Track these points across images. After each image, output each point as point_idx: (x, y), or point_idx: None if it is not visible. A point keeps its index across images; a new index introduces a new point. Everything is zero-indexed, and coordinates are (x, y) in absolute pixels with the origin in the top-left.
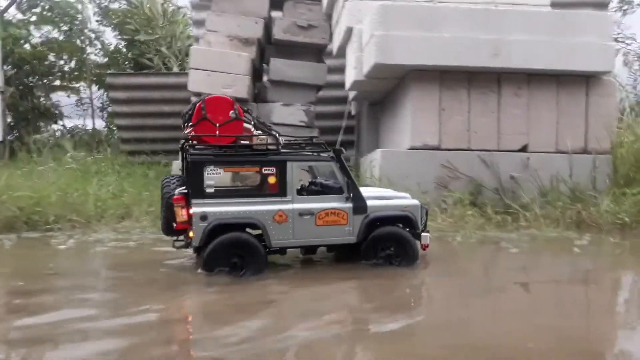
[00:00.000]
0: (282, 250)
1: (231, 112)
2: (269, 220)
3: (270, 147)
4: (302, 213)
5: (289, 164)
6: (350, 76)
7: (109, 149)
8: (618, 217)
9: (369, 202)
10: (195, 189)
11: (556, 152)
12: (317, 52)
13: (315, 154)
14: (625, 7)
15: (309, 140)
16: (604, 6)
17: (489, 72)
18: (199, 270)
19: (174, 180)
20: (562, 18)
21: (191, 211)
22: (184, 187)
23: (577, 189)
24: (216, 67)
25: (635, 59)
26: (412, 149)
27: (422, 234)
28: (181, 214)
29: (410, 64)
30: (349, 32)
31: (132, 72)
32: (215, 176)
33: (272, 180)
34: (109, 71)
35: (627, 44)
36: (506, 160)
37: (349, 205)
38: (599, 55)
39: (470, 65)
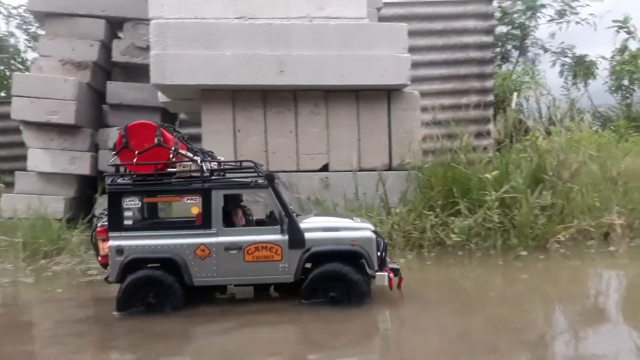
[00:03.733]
0: (219, 288)
1: (155, 138)
2: (190, 255)
3: (194, 174)
4: (227, 247)
5: (213, 192)
6: (161, 97)
7: None
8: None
9: (309, 235)
10: (113, 220)
11: (359, 170)
12: None
13: (244, 180)
14: (561, 19)
15: (237, 165)
16: (488, 17)
17: (283, 90)
18: (114, 313)
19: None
20: (353, 31)
21: (107, 244)
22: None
23: (372, 206)
24: (40, 94)
25: (569, 70)
26: None
27: (378, 273)
28: (102, 248)
29: (189, 84)
30: None
31: None
32: (134, 207)
33: (195, 210)
34: None
35: (564, 56)
36: (306, 181)
37: (284, 238)
38: (393, 69)
39: (255, 83)
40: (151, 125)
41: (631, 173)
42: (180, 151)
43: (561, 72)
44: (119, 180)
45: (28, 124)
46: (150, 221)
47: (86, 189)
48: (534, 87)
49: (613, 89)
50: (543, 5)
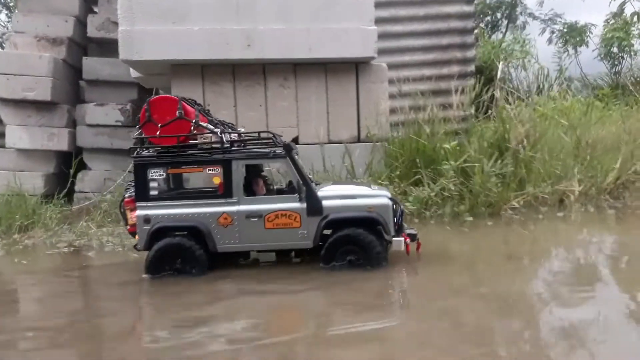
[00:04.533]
0: (242, 254)
1: (177, 111)
2: (213, 223)
3: (215, 145)
4: (249, 215)
5: (234, 163)
6: (133, 73)
7: None
8: None
9: (326, 202)
10: (139, 191)
11: (328, 142)
12: None
13: (263, 150)
14: None
15: (256, 136)
16: None
17: (252, 64)
18: (143, 275)
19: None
20: (320, 4)
21: (135, 214)
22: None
23: (340, 178)
24: (16, 70)
25: (559, 38)
26: None
27: (394, 238)
28: (130, 217)
29: (158, 59)
30: None
31: None
32: (159, 178)
33: (216, 180)
34: None
35: (553, 23)
36: None
37: (302, 206)
38: (360, 41)
39: (223, 58)
40: (173, 99)
41: (603, 141)
42: (201, 123)
43: (549, 40)
44: (144, 153)
45: (5, 101)
46: (175, 191)
47: (65, 165)
48: (522, 56)
49: (602, 56)
50: None
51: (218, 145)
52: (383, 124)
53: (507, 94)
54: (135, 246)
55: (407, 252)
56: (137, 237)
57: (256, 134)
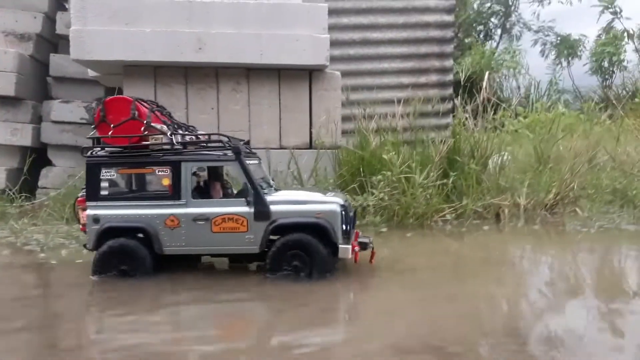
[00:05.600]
0: (190, 258)
1: (131, 112)
2: (160, 225)
3: (165, 147)
4: (196, 218)
5: (183, 165)
6: (90, 72)
7: None
8: None
9: (274, 207)
10: (90, 191)
11: (279, 147)
12: None
13: (214, 153)
14: None
15: (207, 138)
16: None
17: (204, 67)
18: (91, 276)
19: None
20: (273, 10)
21: (85, 213)
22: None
23: (286, 184)
24: None
25: (551, 49)
26: None
27: (341, 246)
28: (82, 216)
29: (109, 60)
30: None
31: None
32: (109, 178)
33: (165, 182)
34: None
35: (545, 35)
36: None
37: (250, 210)
38: (311, 49)
39: (174, 60)
40: (127, 100)
41: (570, 155)
42: (153, 125)
43: (542, 52)
44: (98, 153)
45: None
46: (125, 192)
47: (35, 161)
48: (512, 66)
49: (593, 70)
50: None
51: (169, 147)
52: (334, 132)
53: (492, 104)
54: (85, 245)
55: (356, 260)
56: (86, 237)
57: (207, 137)
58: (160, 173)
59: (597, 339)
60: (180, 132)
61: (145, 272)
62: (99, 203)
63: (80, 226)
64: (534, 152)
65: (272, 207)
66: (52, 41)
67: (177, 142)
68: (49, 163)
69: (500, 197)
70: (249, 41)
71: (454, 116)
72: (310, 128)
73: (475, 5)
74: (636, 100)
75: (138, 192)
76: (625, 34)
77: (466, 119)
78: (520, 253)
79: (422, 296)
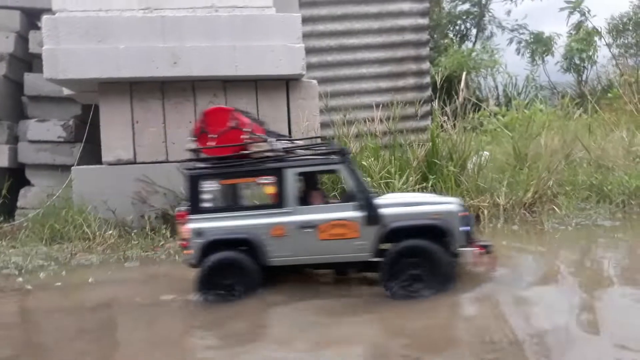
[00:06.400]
0: (295, 269)
1: (230, 121)
2: (266, 235)
3: (267, 154)
4: (302, 226)
5: (286, 171)
6: (65, 90)
7: None
8: None
9: (386, 210)
10: (192, 204)
11: None
12: None
13: (318, 157)
14: None
15: (310, 143)
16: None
17: (180, 81)
18: (193, 295)
19: None
20: (246, 22)
21: (187, 227)
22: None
23: None
24: None
25: (526, 47)
26: (107, 164)
27: (462, 249)
28: (182, 231)
29: (83, 78)
30: None
31: None
32: (211, 190)
33: (269, 190)
34: None
35: (520, 34)
36: None
37: (359, 214)
38: (287, 59)
39: (149, 75)
40: (226, 109)
41: (547, 152)
42: (254, 133)
43: (518, 50)
44: (197, 165)
45: None
46: (227, 203)
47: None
48: (491, 65)
49: (565, 67)
50: None
51: (271, 155)
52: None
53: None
54: (187, 261)
55: (479, 265)
56: (188, 251)
57: (310, 142)
58: (263, 181)
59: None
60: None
61: (254, 286)
62: (201, 216)
63: (180, 242)
64: (512, 151)
65: (384, 210)
66: (26, 60)
67: (280, 149)
68: (27, 183)
69: (479, 197)
70: (224, 54)
71: (432, 118)
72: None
73: (447, 7)
74: (609, 95)
75: (241, 202)
76: (595, 31)
77: (444, 121)
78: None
79: None
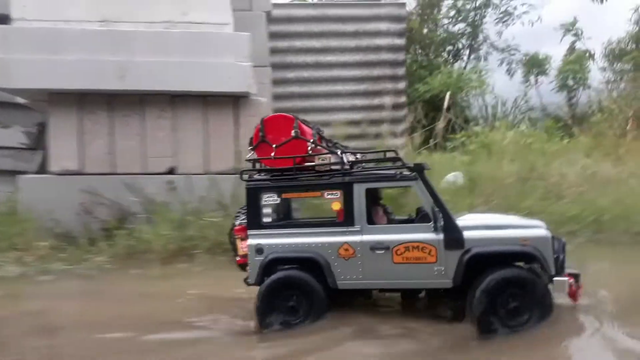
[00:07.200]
0: (363, 292)
1: (292, 131)
2: (333, 254)
3: (334, 167)
4: (373, 247)
5: (356, 187)
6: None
7: None
8: None
9: (468, 233)
10: (251, 218)
11: (205, 173)
12: None
13: (390, 172)
14: (506, 18)
15: (381, 156)
16: (401, 20)
17: (129, 94)
18: (256, 327)
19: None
20: (196, 39)
21: (246, 243)
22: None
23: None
24: None
25: (521, 68)
26: (53, 174)
27: (557, 278)
28: (241, 247)
29: (33, 88)
30: None
31: None
32: (273, 203)
33: (336, 206)
34: None
35: (511, 55)
36: (152, 184)
37: (438, 237)
38: (235, 76)
39: (97, 88)
40: (289, 118)
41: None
42: (319, 144)
43: (508, 71)
44: (256, 176)
45: None
46: (291, 218)
47: None
48: (478, 85)
49: (558, 87)
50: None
51: (338, 167)
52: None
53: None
54: (245, 280)
55: (573, 296)
56: (247, 269)
57: (381, 155)
58: (330, 196)
59: None
60: (343, 150)
61: (321, 310)
62: (262, 232)
63: (237, 258)
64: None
65: (466, 233)
66: None
67: (348, 162)
68: None
69: None
70: (173, 69)
71: (410, 137)
72: (238, 154)
73: (444, 26)
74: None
75: (306, 218)
76: (588, 54)
77: (424, 140)
78: None
79: None
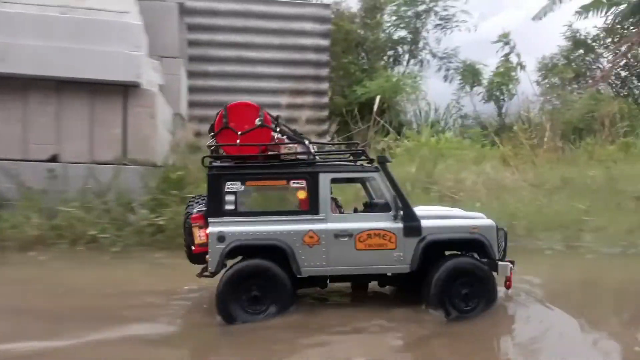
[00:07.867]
0: (319, 281)
1: (257, 119)
2: (297, 242)
3: (300, 156)
4: (338, 234)
5: (321, 176)
6: None
7: None
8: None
9: (425, 222)
10: (213, 206)
11: (91, 162)
12: None
13: (354, 163)
14: (444, 25)
15: (346, 148)
16: (325, 20)
17: (10, 77)
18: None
19: (199, 200)
20: (84, 25)
21: (207, 231)
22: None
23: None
24: None
25: (456, 76)
26: None
27: (501, 262)
28: (199, 235)
29: None
30: None
31: None
32: (235, 191)
33: (301, 195)
34: None
35: (449, 62)
36: (32, 171)
37: (398, 225)
38: (123, 65)
39: None
40: (253, 106)
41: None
42: (286, 133)
43: (445, 77)
44: (218, 163)
45: None
46: (253, 206)
47: None
48: (412, 91)
49: (486, 98)
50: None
51: (303, 157)
52: (149, 148)
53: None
54: (199, 274)
55: (509, 281)
56: (207, 258)
57: (342, 146)
58: (295, 185)
59: None
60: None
61: (286, 299)
62: (224, 219)
63: (193, 247)
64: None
65: (423, 222)
66: None
67: (314, 152)
68: None
69: None
70: (58, 54)
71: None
72: (125, 144)
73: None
74: (514, 129)
75: (269, 206)
76: (519, 67)
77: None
78: None
79: None
